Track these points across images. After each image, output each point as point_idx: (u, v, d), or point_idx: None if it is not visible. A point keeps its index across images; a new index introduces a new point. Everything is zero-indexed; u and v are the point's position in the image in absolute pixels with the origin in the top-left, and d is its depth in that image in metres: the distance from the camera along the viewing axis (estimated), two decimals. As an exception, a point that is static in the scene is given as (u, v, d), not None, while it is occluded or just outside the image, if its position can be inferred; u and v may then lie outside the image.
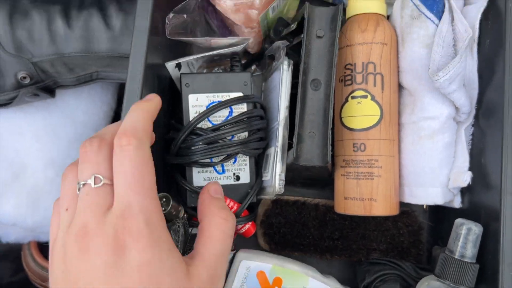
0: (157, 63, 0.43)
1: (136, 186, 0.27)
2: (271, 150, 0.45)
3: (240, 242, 0.48)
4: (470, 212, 0.43)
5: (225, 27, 0.50)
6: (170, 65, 0.44)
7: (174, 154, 0.43)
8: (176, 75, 0.47)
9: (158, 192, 0.29)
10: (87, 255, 0.25)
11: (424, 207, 0.49)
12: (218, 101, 0.44)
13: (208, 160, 0.44)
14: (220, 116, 0.44)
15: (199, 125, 0.43)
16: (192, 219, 0.44)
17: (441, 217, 0.49)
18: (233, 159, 0.45)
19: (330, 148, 0.40)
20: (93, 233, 0.26)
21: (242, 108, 0.45)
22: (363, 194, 0.42)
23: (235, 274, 0.46)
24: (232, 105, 0.44)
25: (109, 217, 0.26)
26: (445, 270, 0.39)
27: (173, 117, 0.49)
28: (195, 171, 0.45)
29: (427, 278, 0.41)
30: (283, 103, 0.43)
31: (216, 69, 0.52)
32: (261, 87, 0.53)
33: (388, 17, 0.47)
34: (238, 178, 0.45)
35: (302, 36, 0.43)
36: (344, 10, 0.46)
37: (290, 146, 0.42)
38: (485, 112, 0.42)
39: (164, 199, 0.38)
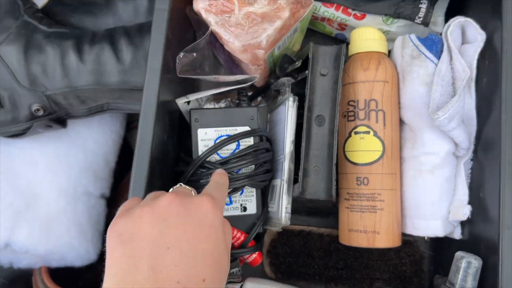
0: (168, 100, 0.45)
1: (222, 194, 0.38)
2: (277, 182, 0.46)
3: (247, 271, 0.49)
4: (470, 243, 0.44)
5: (232, 61, 0.52)
6: (181, 102, 0.46)
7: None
8: (185, 109, 0.49)
9: None
10: (173, 206, 0.33)
11: (425, 238, 0.51)
12: (226, 135, 0.46)
13: (217, 193, 0.45)
14: (227, 149, 0.46)
15: (207, 159, 0.44)
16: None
17: (442, 247, 0.50)
18: (240, 190, 0.47)
19: (335, 182, 0.42)
20: (182, 196, 0.34)
21: (249, 141, 0.46)
22: (366, 227, 0.43)
23: (243, 302, 0.47)
24: (240, 139, 0.45)
25: (196, 196, 0.35)
26: (447, 302, 0.40)
27: (181, 149, 0.50)
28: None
29: (430, 309, 0.42)
30: (289, 138, 0.45)
31: (223, 101, 0.54)
32: (266, 118, 0.55)
33: (389, 52, 0.49)
34: (245, 209, 0.47)
35: (306, 72, 0.45)
36: (347, 46, 0.49)
37: (295, 180, 0.44)
38: (483, 148, 0.43)
39: None
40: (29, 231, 0.52)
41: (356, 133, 0.45)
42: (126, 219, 0.32)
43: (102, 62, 0.49)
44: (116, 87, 0.50)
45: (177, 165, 0.48)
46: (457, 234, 0.45)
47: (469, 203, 0.44)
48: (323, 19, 0.52)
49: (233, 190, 0.45)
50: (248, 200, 0.47)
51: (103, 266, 0.59)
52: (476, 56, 0.43)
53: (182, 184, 0.38)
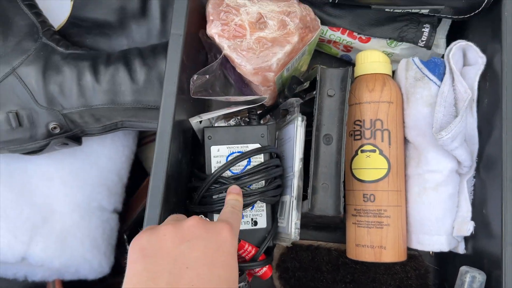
0: (182, 119, 0.47)
1: (238, 220, 0.41)
2: (286, 198, 0.48)
3: (257, 284, 0.51)
4: (473, 258, 0.46)
5: (242, 82, 0.54)
6: (194, 122, 0.48)
7: (197, 203, 0.47)
8: (198, 127, 0.51)
9: None
10: (196, 231, 0.35)
11: (430, 252, 0.52)
12: (238, 152, 0.48)
13: (229, 209, 0.47)
14: (239, 166, 0.48)
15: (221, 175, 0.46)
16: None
17: (446, 261, 0.51)
18: (252, 205, 0.48)
19: (343, 199, 0.43)
20: (203, 222, 0.36)
21: (260, 157, 0.48)
22: (373, 242, 0.45)
23: (253, 315, 0.48)
24: (252, 156, 0.47)
25: (215, 222, 0.38)
26: (452, 315, 0.41)
27: (193, 166, 0.52)
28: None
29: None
30: (298, 156, 0.47)
31: (233, 119, 0.56)
32: (275, 135, 0.57)
33: (393, 73, 0.51)
34: (255, 223, 0.48)
35: (314, 93, 0.47)
36: (353, 67, 0.51)
37: (304, 196, 0.46)
38: (485, 165, 0.45)
39: None
40: (45, 245, 0.54)
41: (362, 151, 0.47)
42: (150, 235, 0.34)
43: (117, 82, 0.51)
44: (130, 106, 0.52)
45: (190, 181, 0.50)
46: (461, 249, 0.47)
47: (472, 219, 0.45)
48: (329, 41, 0.54)
49: (245, 206, 0.47)
50: (259, 215, 0.49)
51: (115, 280, 0.60)
52: (477, 78, 0.45)
53: (203, 216, 0.40)
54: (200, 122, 0.51)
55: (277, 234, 0.49)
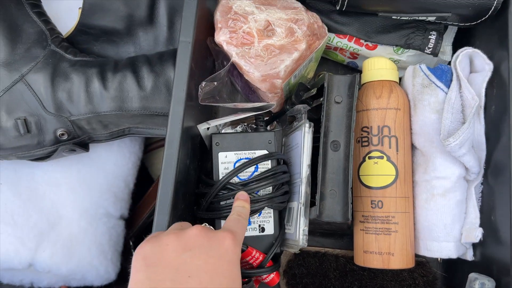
0: (190, 126, 0.47)
1: (242, 228, 0.41)
2: (294, 204, 0.48)
3: (264, 291, 0.51)
4: (482, 265, 0.46)
5: (249, 88, 0.54)
6: (202, 128, 0.48)
7: (205, 209, 0.47)
8: (205, 134, 0.51)
9: None
10: (198, 240, 0.35)
11: (438, 259, 0.52)
12: (245, 158, 0.48)
13: (236, 215, 0.47)
14: (247, 172, 0.48)
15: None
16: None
17: (454, 268, 0.51)
18: (259, 212, 0.48)
19: (351, 206, 0.43)
20: (206, 230, 0.36)
21: (267, 164, 0.48)
22: (381, 249, 0.45)
23: (260, 322, 0.48)
24: (259, 162, 0.47)
25: (218, 230, 0.38)
26: (461, 322, 0.41)
27: (201, 172, 0.52)
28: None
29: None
30: (305, 162, 0.47)
31: (240, 125, 0.56)
32: (281, 142, 0.57)
33: (400, 79, 0.51)
34: (263, 229, 0.48)
35: (321, 100, 0.47)
36: (359, 73, 0.51)
37: (312, 203, 0.46)
38: (493, 172, 0.45)
39: None
40: (52, 252, 0.54)
41: (370, 158, 0.47)
42: (153, 244, 0.35)
43: (125, 89, 0.52)
44: (137, 113, 0.52)
45: (197, 187, 0.50)
46: (470, 256, 0.47)
47: (481, 225, 0.45)
48: (335, 48, 0.55)
49: (253, 212, 0.47)
50: (266, 221, 0.49)
51: (121, 286, 0.60)
52: (484, 85, 0.45)
53: (207, 224, 0.41)
54: (208, 128, 0.51)
55: (285, 240, 0.49)
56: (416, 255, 0.48)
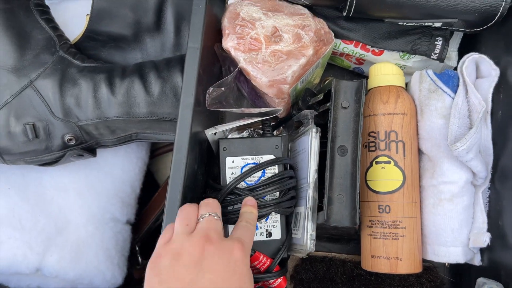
0: (198, 131, 0.47)
1: (250, 236, 0.41)
2: (301, 209, 0.48)
3: (271, 296, 0.50)
4: (490, 270, 0.46)
5: (255, 94, 0.54)
6: (210, 133, 0.48)
7: (212, 214, 0.47)
8: (213, 139, 0.51)
9: None
10: (208, 253, 0.35)
11: (446, 264, 0.52)
12: (253, 163, 0.48)
13: (244, 220, 0.47)
14: (254, 177, 0.48)
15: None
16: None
17: (462, 273, 0.51)
18: (266, 217, 0.48)
19: (358, 210, 0.44)
20: (215, 241, 0.36)
21: (274, 169, 0.49)
22: (389, 253, 0.45)
23: (267, 327, 0.48)
24: (267, 167, 0.47)
25: (227, 239, 0.38)
26: (470, 327, 0.41)
27: (208, 177, 0.53)
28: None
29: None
30: (313, 167, 0.47)
31: (246, 131, 0.57)
32: (288, 147, 0.57)
33: (406, 85, 0.51)
34: (270, 234, 0.49)
35: (327, 105, 0.48)
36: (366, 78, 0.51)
37: (319, 208, 0.46)
38: (500, 177, 0.45)
39: None
40: (60, 256, 0.54)
41: (377, 162, 0.47)
42: (166, 259, 0.35)
43: (132, 95, 0.52)
44: (144, 118, 0.53)
45: (205, 192, 0.50)
46: (477, 261, 0.47)
47: (488, 230, 0.45)
48: (342, 54, 0.55)
49: (260, 217, 0.47)
50: (273, 226, 0.49)
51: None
52: (491, 90, 0.45)
53: (211, 213, 0.40)
54: (215, 133, 0.51)
55: (292, 245, 0.49)
56: (424, 260, 0.48)
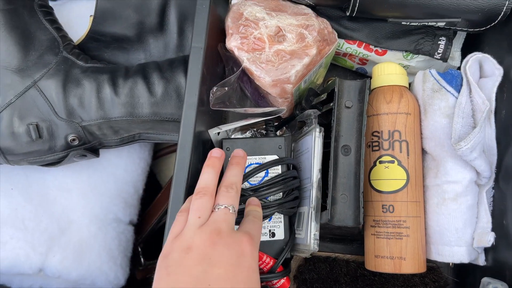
0: (201, 130, 0.47)
1: (259, 230, 0.41)
2: (304, 209, 0.48)
3: (275, 297, 0.50)
4: (494, 270, 0.45)
5: (258, 94, 0.54)
6: (213, 133, 0.48)
7: (215, 214, 0.47)
8: (216, 139, 0.51)
9: None
10: (217, 247, 0.35)
11: (450, 264, 0.52)
12: (256, 163, 0.48)
13: (247, 220, 0.47)
14: (257, 177, 0.48)
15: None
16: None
17: (466, 273, 0.51)
18: (270, 217, 0.48)
19: (362, 210, 0.44)
20: (225, 235, 0.36)
21: (277, 169, 0.49)
22: (393, 253, 0.45)
23: (271, 327, 0.48)
24: (270, 167, 0.47)
25: (237, 232, 0.38)
26: (474, 327, 0.41)
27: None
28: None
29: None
30: (316, 167, 0.47)
31: (249, 131, 0.57)
32: (291, 147, 0.57)
33: (409, 84, 0.51)
34: (273, 234, 0.49)
35: (331, 105, 0.48)
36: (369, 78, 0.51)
37: (323, 207, 0.46)
38: (504, 176, 0.45)
39: None
40: (63, 256, 0.54)
41: (381, 162, 0.47)
42: (175, 253, 0.35)
43: (135, 95, 0.52)
44: (148, 119, 0.53)
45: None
46: (481, 261, 0.47)
47: (493, 230, 0.45)
48: (345, 54, 0.55)
49: (263, 217, 0.47)
50: (276, 226, 0.49)
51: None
52: (494, 90, 0.45)
53: (227, 206, 0.39)
54: (218, 133, 0.51)
55: (295, 245, 0.49)
56: (428, 260, 0.48)
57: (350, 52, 0.53)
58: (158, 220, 0.67)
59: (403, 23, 0.48)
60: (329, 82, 0.58)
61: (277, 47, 0.46)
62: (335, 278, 0.50)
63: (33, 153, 0.52)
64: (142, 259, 0.66)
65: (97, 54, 0.59)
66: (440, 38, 0.49)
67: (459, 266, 0.52)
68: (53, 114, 0.51)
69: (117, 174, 0.60)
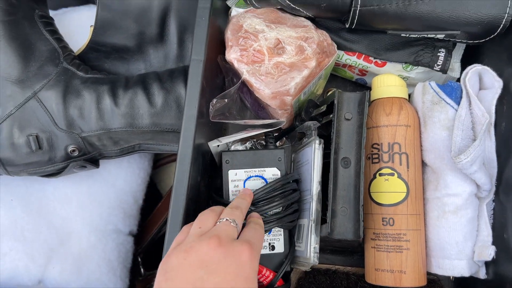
0: (201, 143, 0.47)
1: (260, 238, 0.40)
2: (304, 221, 0.48)
3: (274, 309, 0.50)
4: (495, 283, 0.45)
5: (258, 105, 0.54)
6: (213, 146, 0.48)
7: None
8: (216, 151, 0.51)
9: None
10: (216, 254, 0.35)
11: (451, 277, 0.51)
12: (255, 176, 0.48)
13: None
14: (256, 186, 0.48)
15: (238, 199, 0.46)
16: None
17: (466, 287, 0.51)
18: (269, 231, 0.48)
19: (362, 223, 0.43)
20: (224, 243, 0.36)
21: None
22: (393, 266, 0.45)
23: None
24: (275, 187, 0.47)
25: (236, 241, 0.37)
26: None
27: (211, 188, 0.52)
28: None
29: None
30: (316, 179, 0.47)
31: (249, 142, 0.57)
32: (290, 158, 0.57)
33: (409, 96, 0.51)
34: (273, 247, 0.48)
35: (330, 116, 0.48)
36: (369, 89, 0.51)
37: (323, 220, 0.46)
38: (505, 189, 0.45)
39: None
40: (62, 268, 0.54)
41: (380, 174, 0.47)
42: (174, 258, 0.35)
43: (135, 106, 0.52)
44: (147, 129, 0.53)
45: (208, 204, 0.50)
46: (482, 274, 0.46)
47: (493, 243, 0.45)
48: (344, 65, 0.55)
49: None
50: (276, 239, 0.48)
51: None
52: (494, 102, 0.45)
53: (228, 219, 0.39)
54: (218, 145, 0.51)
55: (295, 258, 0.49)
56: (428, 273, 0.48)
57: (350, 63, 0.53)
58: (158, 230, 0.67)
59: (402, 35, 0.48)
60: (329, 93, 0.58)
61: (277, 59, 0.46)
62: (335, 291, 0.50)
63: (33, 164, 0.52)
64: (142, 269, 0.66)
65: (97, 64, 0.59)
66: (439, 50, 0.49)
67: (459, 279, 0.52)
68: (53, 125, 0.51)
69: (117, 184, 0.60)
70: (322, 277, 0.50)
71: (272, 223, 0.45)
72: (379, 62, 0.52)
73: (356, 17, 0.45)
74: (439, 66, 0.49)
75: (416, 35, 0.48)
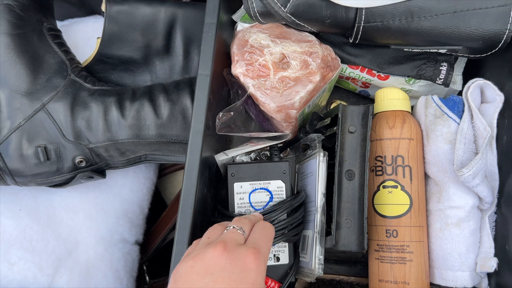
0: (207, 155, 0.48)
1: (267, 241, 0.40)
2: (309, 233, 0.49)
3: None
4: (497, 294, 0.46)
5: (263, 117, 0.55)
6: (220, 159, 0.49)
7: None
8: (222, 163, 0.52)
9: None
10: (221, 261, 0.35)
11: (453, 288, 0.52)
12: (261, 188, 0.49)
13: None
14: (262, 201, 0.49)
15: (243, 212, 0.47)
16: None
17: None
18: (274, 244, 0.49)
19: (366, 235, 0.44)
20: (229, 249, 0.36)
21: (282, 194, 0.49)
22: (396, 278, 0.45)
23: None
24: (284, 207, 0.47)
25: (242, 246, 0.37)
26: None
27: (217, 200, 0.53)
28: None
29: None
30: (320, 191, 0.47)
31: (253, 154, 0.57)
32: (295, 169, 0.58)
33: (412, 108, 0.52)
34: (278, 259, 0.49)
35: (334, 129, 0.48)
36: (372, 102, 0.52)
37: (327, 232, 0.46)
38: (506, 201, 0.46)
39: None
40: (69, 278, 0.55)
41: (384, 187, 0.47)
42: (182, 266, 0.36)
43: (142, 117, 0.53)
44: (154, 140, 0.54)
45: (213, 216, 0.51)
46: (485, 285, 0.47)
47: (495, 255, 0.46)
48: (348, 78, 0.56)
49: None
50: (281, 251, 0.49)
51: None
52: (496, 116, 0.46)
53: (235, 226, 0.40)
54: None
55: (300, 268, 0.49)
56: (431, 284, 0.48)
57: (353, 76, 0.54)
58: (163, 238, 0.68)
59: (405, 49, 0.49)
60: (332, 104, 0.59)
61: (282, 74, 0.47)
62: (339, 301, 0.51)
63: (41, 174, 0.53)
64: (147, 277, 0.67)
65: (104, 75, 0.60)
66: (441, 64, 0.50)
67: (462, 289, 0.52)
68: (61, 137, 0.52)
69: (123, 194, 0.61)
70: (327, 288, 0.51)
71: (277, 238, 0.46)
72: (382, 75, 0.53)
73: (360, 33, 0.46)
74: (441, 80, 0.50)
75: (419, 50, 0.49)
